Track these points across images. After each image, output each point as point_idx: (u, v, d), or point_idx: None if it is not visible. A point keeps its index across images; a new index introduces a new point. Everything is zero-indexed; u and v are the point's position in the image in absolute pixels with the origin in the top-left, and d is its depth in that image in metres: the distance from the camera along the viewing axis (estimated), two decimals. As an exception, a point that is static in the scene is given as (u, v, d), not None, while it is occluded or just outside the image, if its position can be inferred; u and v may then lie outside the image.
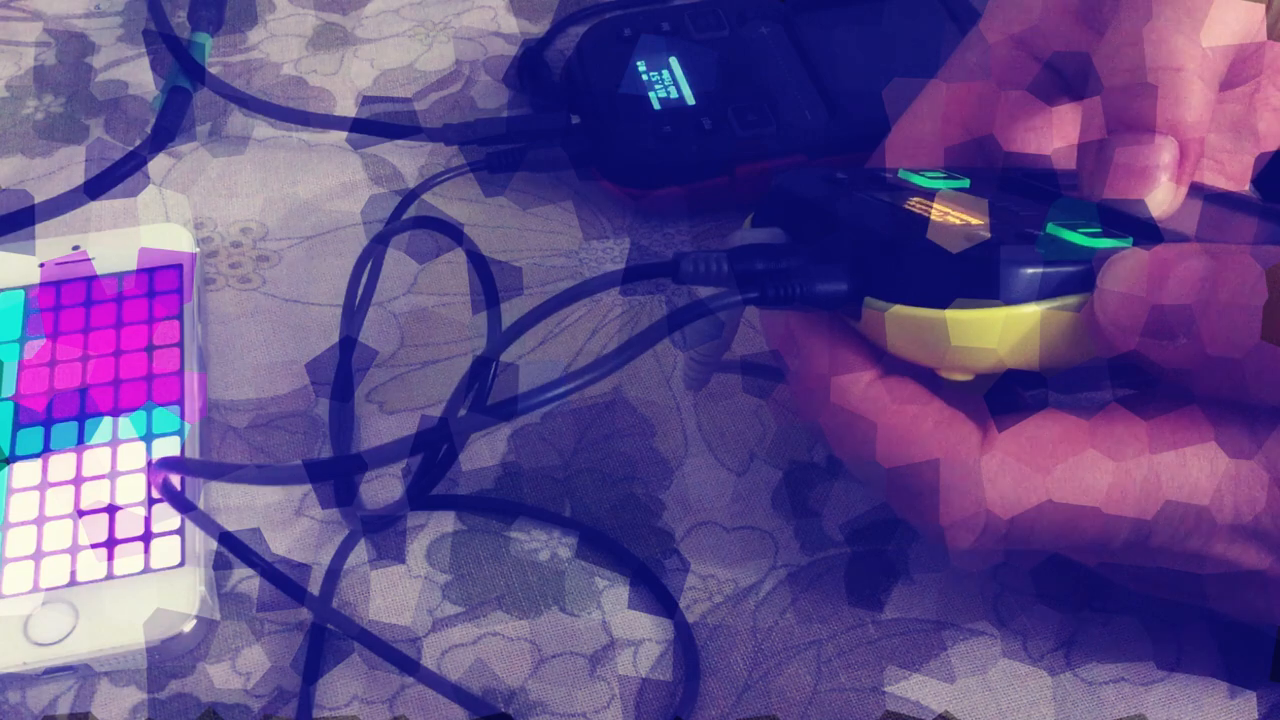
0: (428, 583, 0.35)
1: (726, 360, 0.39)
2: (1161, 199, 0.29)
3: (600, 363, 0.27)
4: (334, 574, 0.35)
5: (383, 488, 0.37)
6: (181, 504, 0.31)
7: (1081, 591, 0.35)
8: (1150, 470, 0.27)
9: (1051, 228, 0.28)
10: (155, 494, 0.35)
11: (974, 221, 0.29)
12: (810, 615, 0.35)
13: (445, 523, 0.37)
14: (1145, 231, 0.29)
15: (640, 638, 0.34)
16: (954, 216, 0.29)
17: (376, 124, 0.46)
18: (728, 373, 0.39)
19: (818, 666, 0.34)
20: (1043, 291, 0.27)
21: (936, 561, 0.36)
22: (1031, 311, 0.27)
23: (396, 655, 0.33)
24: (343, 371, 0.39)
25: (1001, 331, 0.27)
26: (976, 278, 0.26)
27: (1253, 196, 0.35)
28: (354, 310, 0.39)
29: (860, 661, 0.34)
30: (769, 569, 0.36)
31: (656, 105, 0.44)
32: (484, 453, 0.38)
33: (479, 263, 0.37)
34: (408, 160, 0.46)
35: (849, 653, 0.34)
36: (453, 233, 0.37)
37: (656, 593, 0.35)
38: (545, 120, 0.45)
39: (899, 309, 0.27)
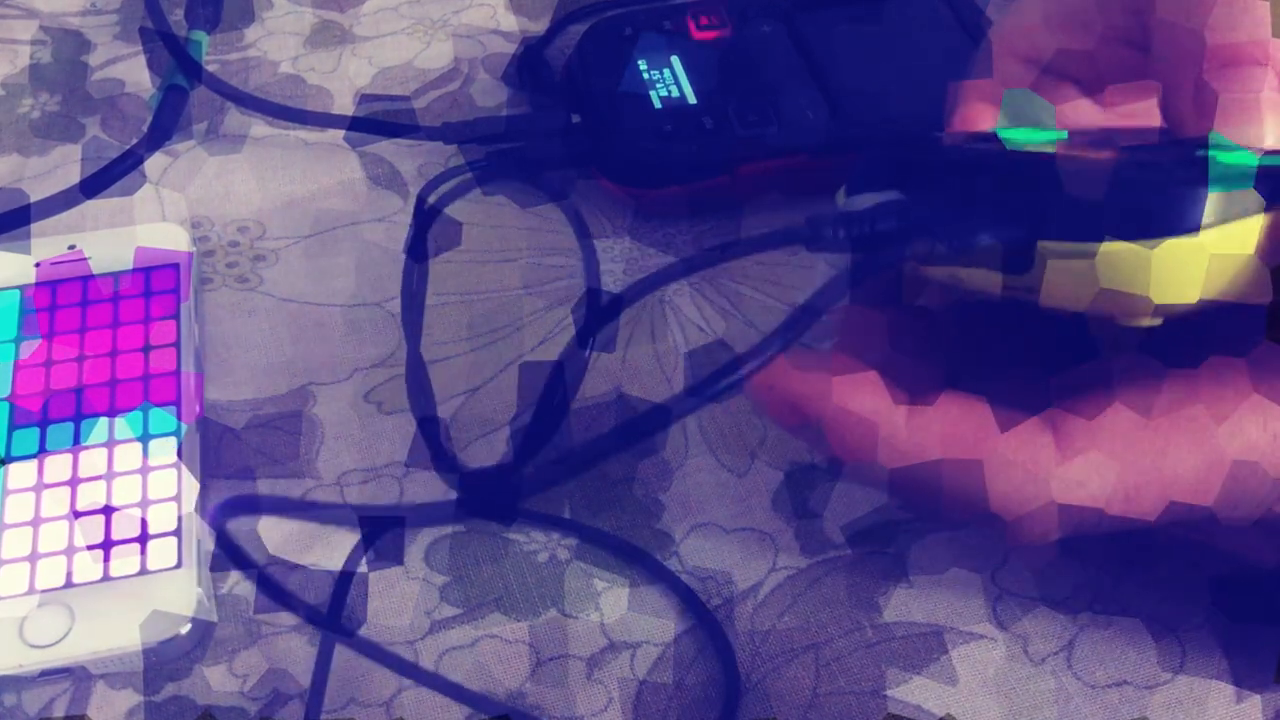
0: (426, 584, 0.35)
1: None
2: (1270, 129, 0.28)
3: (782, 330, 0.26)
4: (346, 577, 0.35)
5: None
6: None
7: (1083, 593, 0.35)
8: (1225, 458, 0.26)
9: (1213, 151, 0.27)
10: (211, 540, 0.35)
11: (1122, 155, 0.27)
12: (810, 618, 0.34)
13: (444, 524, 0.36)
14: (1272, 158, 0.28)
15: (639, 640, 0.34)
16: (1094, 153, 0.27)
17: (375, 122, 0.45)
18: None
19: (817, 669, 0.33)
20: (1239, 209, 0.25)
21: (937, 564, 0.35)
22: (1233, 230, 0.25)
23: (399, 663, 0.33)
24: (416, 372, 0.38)
25: (1206, 258, 0.25)
26: (1168, 204, 0.25)
27: None
28: (415, 328, 0.39)
29: (861, 664, 0.34)
30: (768, 571, 0.35)
31: (657, 104, 0.43)
32: (483, 453, 0.38)
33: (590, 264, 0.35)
34: (406, 159, 0.46)
35: (849, 655, 0.34)
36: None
37: (667, 591, 0.35)
38: (545, 119, 0.44)
39: (1087, 248, 0.25)
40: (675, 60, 0.45)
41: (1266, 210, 0.26)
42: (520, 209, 0.44)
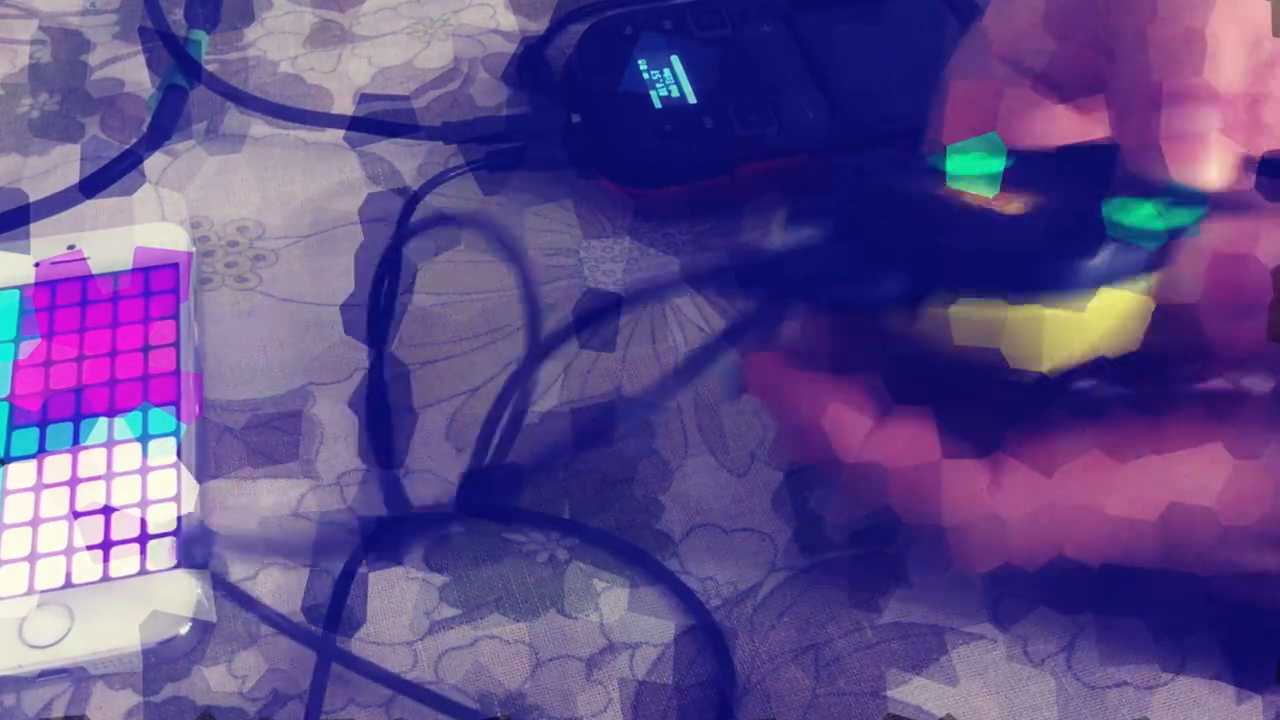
0: (425, 584, 0.35)
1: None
2: (1209, 168, 0.29)
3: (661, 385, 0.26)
4: (346, 578, 0.35)
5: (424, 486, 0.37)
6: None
7: (1083, 594, 0.35)
8: (1165, 492, 0.27)
9: (1106, 208, 0.27)
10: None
11: (1024, 207, 0.28)
12: (810, 618, 0.34)
13: (443, 524, 0.36)
14: (1194, 203, 0.28)
15: (638, 641, 0.34)
16: (1001, 202, 0.28)
17: (374, 122, 0.45)
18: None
19: (817, 670, 0.33)
20: (1111, 277, 0.26)
21: (937, 565, 0.35)
22: (1100, 298, 0.26)
23: (391, 678, 0.33)
24: (376, 384, 0.38)
25: (1070, 323, 0.26)
26: (1044, 269, 0.26)
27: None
28: (380, 315, 0.39)
29: (860, 665, 0.34)
30: (768, 571, 0.35)
31: (657, 104, 0.43)
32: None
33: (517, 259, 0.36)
34: (406, 159, 0.46)
35: (849, 656, 0.34)
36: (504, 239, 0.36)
37: (667, 591, 0.35)
38: (545, 119, 0.44)
39: (963, 308, 0.26)
40: (675, 60, 0.45)
41: (1156, 269, 0.27)
42: (521, 209, 0.44)
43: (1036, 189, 0.29)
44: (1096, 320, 0.26)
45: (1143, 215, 0.27)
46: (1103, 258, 0.26)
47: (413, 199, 0.43)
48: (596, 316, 0.35)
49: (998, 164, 0.31)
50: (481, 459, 0.35)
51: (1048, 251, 0.26)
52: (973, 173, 0.31)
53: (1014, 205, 0.28)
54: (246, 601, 0.33)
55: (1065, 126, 0.34)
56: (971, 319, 0.27)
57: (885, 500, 0.28)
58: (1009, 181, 0.30)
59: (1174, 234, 0.27)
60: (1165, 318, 0.27)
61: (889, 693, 0.33)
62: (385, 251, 0.38)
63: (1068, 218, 0.27)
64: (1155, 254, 0.27)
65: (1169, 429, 0.27)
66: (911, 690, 0.33)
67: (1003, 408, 0.29)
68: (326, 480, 0.37)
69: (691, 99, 0.44)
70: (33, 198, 0.44)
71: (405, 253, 0.42)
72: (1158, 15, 0.29)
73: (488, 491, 0.32)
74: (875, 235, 0.28)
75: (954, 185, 0.29)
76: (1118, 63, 0.30)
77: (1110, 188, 0.29)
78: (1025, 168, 0.31)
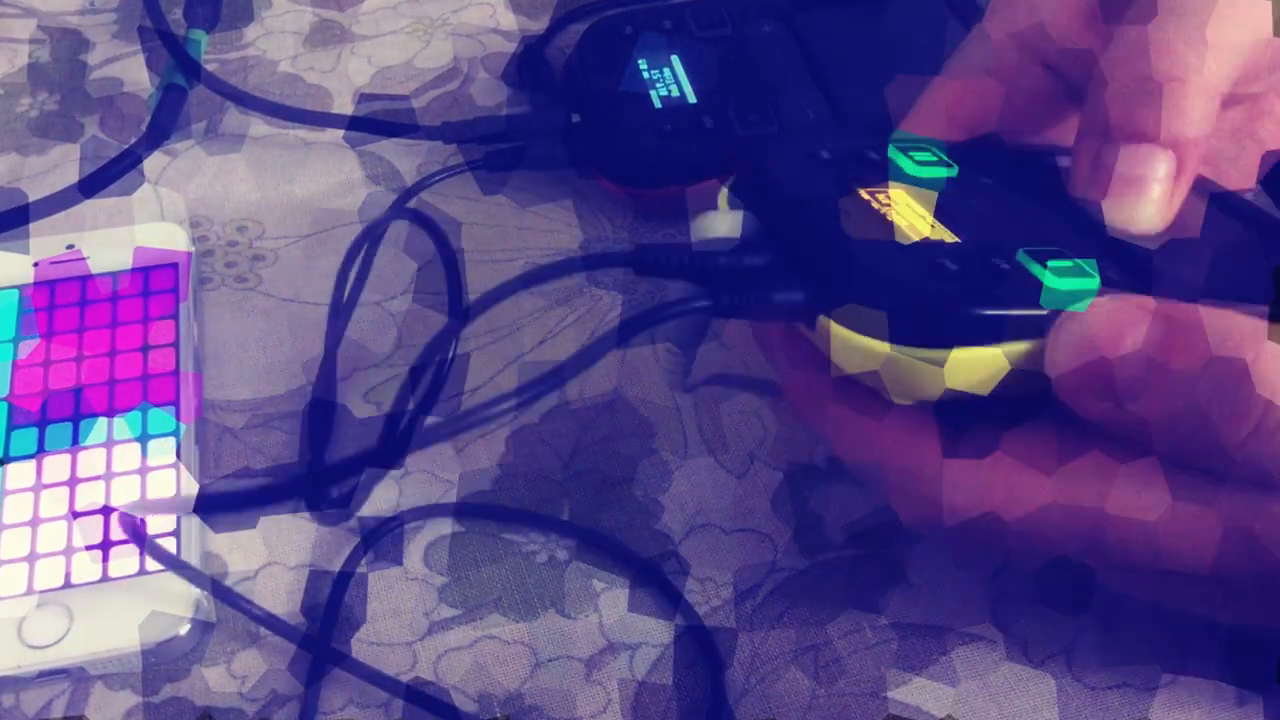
0: (424, 585, 0.35)
1: (729, 375, 0.39)
2: (1152, 212, 0.29)
3: (551, 375, 0.27)
4: (344, 579, 0.35)
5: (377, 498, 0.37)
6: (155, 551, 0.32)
7: (1083, 595, 0.35)
8: (1101, 495, 0.27)
9: (1021, 256, 0.28)
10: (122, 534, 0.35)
11: (946, 239, 0.28)
12: (809, 619, 0.34)
13: (443, 525, 0.36)
14: (1122, 256, 0.28)
15: (637, 641, 0.34)
16: (926, 226, 0.28)
17: (374, 122, 0.45)
18: (727, 386, 0.39)
19: (817, 671, 0.33)
20: (994, 337, 0.26)
21: (937, 565, 0.35)
22: (981, 355, 0.26)
23: (390, 681, 0.33)
24: (326, 372, 0.38)
25: (948, 372, 0.26)
26: (931, 317, 0.26)
27: (1249, 200, 0.34)
28: (342, 307, 0.39)
29: (860, 665, 0.34)
30: (768, 572, 0.35)
31: (657, 104, 0.43)
32: (481, 454, 0.38)
33: (451, 269, 0.36)
34: (405, 158, 0.46)
35: (849, 657, 0.34)
36: (435, 232, 0.36)
37: (667, 593, 0.35)
38: (545, 118, 0.44)
39: (846, 334, 0.27)
40: (675, 59, 0.45)
41: (1034, 339, 0.27)
42: (520, 209, 0.44)
43: (967, 219, 0.29)
44: (955, 374, 0.26)
45: (1046, 274, 0.27)
46: (984, 316, 0.26)
47: (404, 196, 0.43)
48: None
49: (945, 173, 0.31)
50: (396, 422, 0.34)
51: (933, 299, 0.26)
52: (921, 175, 0.31)
53: (938, 233, 0.28)
54: (243, 603, 0.33)
55: (1062, 135, 0.34)
56: (848, 342, 0.27)
57: (843, 452, 0.29)
58: (946, 204, 0.30)
59: (1057, 304, 0.27)
60: (1039, 382, 0.27)
61: (889, 694, 0.33)
62: (351, 245, 0.38)
63: (972, 266, 0.27)
64: (1041, 321, 0.27)
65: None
66: (911, 691, 0.33)
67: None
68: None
69: (691, 99, 0.44)
70: (32, 197, 0.44)
71: (402, 251, 0.42)
72: (1130, 53, 0.29)
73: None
74: (795, 234, 0.28)
75: (897, 191, 0.29)
76: (1089, 90, 0.30)
77: (1054, 226, 0.29)
78: (974, 189, 0.31)
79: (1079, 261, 0.28)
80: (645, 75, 0.44)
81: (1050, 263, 0.27)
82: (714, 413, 0.39)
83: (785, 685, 0.33)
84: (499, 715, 0.33)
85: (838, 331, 0.27)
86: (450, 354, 0.34)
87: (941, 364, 0.26)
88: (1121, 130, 0.29)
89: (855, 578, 0.35)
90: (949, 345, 0.26)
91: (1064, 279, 0.27)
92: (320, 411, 0.38)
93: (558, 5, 0.51)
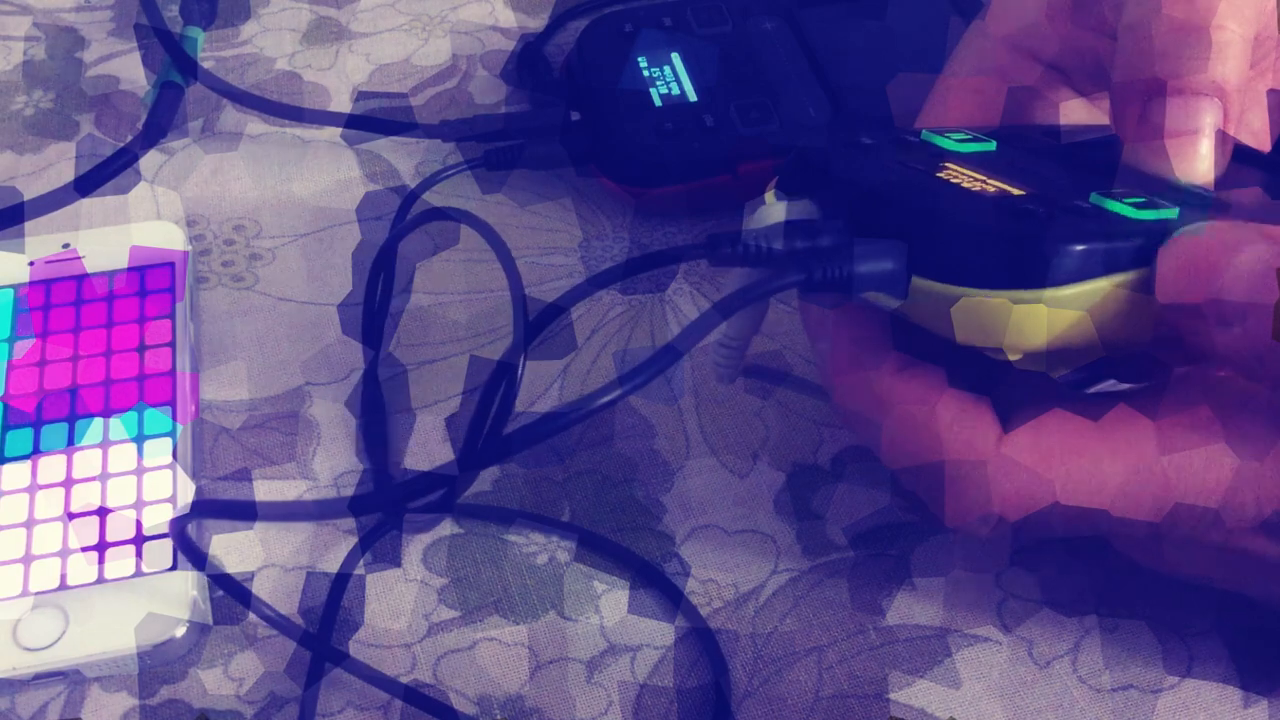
0: (424, 587, 0.35)
1: (771, 369, 0.39)
2: (1205, 163, 0.29)
3: (643, 367, 0.26)
4: (342, 580, 0.34)
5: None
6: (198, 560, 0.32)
7: (1089, 596, 0.34)
8: (1160, 473, 0.27)
9: (1095, 198, 0.28)
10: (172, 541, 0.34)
11: (1014, 191, 0.28)
12: (812, 620, 0.34)
13: (442, 526, 0.36)
14: (1188, 199, 0.28)
15: (638, 643, 0.34)
16: (992, 185, 0.28)
17: (372, 120, 0.45)
18: (770, 382, 0.39)
19: (819, 673, 0.33)
20: (1096, 270, 0.26)
21: (941, 566, 0.35)
22: (1084, 290, 0.26)
23: (390, 683, 0.32)
24: (370, 383, 0.38)
25: (1054, 312, 0.26)
26: (1030, 257, 0.26)
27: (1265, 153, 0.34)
28: (374, 313, 0.39)
29: (863, 667, 0.33)
30: (770, 573, 0.35)
31: (658, 102, 0.43)
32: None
33: (504, 254, 0.35)
34: (404, 157, 0.45)
35: (852, 659, 0.33)
36: (481, 226, 0.36)
37: (668, 593, 0.34)
38: (544, 116, 0.44)
39: (947, 289, 0.26)
40: (676, 57, 0.45)
41: (1136, 268, 0.26)
42: (519, 208, 0.44)
43: (1028, 177, 0.29)
44: (1062, 314, 0.26)
45: (1125, 207, 0.27)
46: (1090, 248, 0.26)
47: (410, 197, 0.43)
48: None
49: (986, 146, 0.31)
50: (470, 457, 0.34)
51: (1036, 240, 0.26)
52: (964, 150, 0.30)
53: (1006, 189, 0.28)
54: (243, 598, 0.33)
55: (1072, 118, 0.34)
56: (940, 302, 0.27)
57: (882, 442, 0.28)
58: (1001, 168, 0.30)
59: (1160, 230, 0.27)
60: (1146, 316, 0.27)
61: (892, 696, 0.33)
62: (380, 249, 0.38)
63: (1056, 205, 0.27)
64: (1137, 250, 0.26)
65: (1173, 429, 0.27)
66: (915, 693, 0.33)
67: (1008, 393, 0.29)
68: (323, 481, 0.37)
69: (692, 96, 0.43)
70: (27, 196, 0.44)
71: (402, 251, 0.42)
72: (1161, 7, 0.29)
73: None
74: (865, 211, 0.28)
75: (950, 164, 0.29)
76: (1118, 52, 0.30)
77: (1109, 180, 0.29)
78: (1020, 156, 0.31)
79: (1152, 196, 0.28)
80: (645, 73, 0.44)
81: (1126, 199, 0.27)
82: (716, 412, 0.38)
83: (788, 687, 0.33)
84: (499, 718, 0.32)
85: (941, 293, 0.27)
86: (522, 357, 0.33)
87: (1054, 303, 0.26)
88: (1161, 84, 0.29)
89: (858, 579, 0.35)
90: (1060, 283, 0.26)
91: (1144, 212, 0.27)
92: (375, 417, 0.37)
93: (557, 2, 0.51)
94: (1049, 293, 0.26)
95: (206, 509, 0.31)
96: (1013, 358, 0.27)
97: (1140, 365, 0.29)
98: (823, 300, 0.30)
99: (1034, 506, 0.27)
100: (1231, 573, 0.29)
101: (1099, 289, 0.26)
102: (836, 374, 0.30)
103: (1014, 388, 0.29)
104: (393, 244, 0.38)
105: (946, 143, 0.31)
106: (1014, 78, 0.33)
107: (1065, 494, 0.27)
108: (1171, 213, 0.27)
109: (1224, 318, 0.26)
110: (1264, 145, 0.34)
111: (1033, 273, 0.26)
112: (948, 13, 0.46)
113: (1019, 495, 0.27)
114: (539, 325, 0.33)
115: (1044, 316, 0.26)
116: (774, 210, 0.29)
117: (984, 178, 0.28)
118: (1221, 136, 0.29)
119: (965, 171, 0.29)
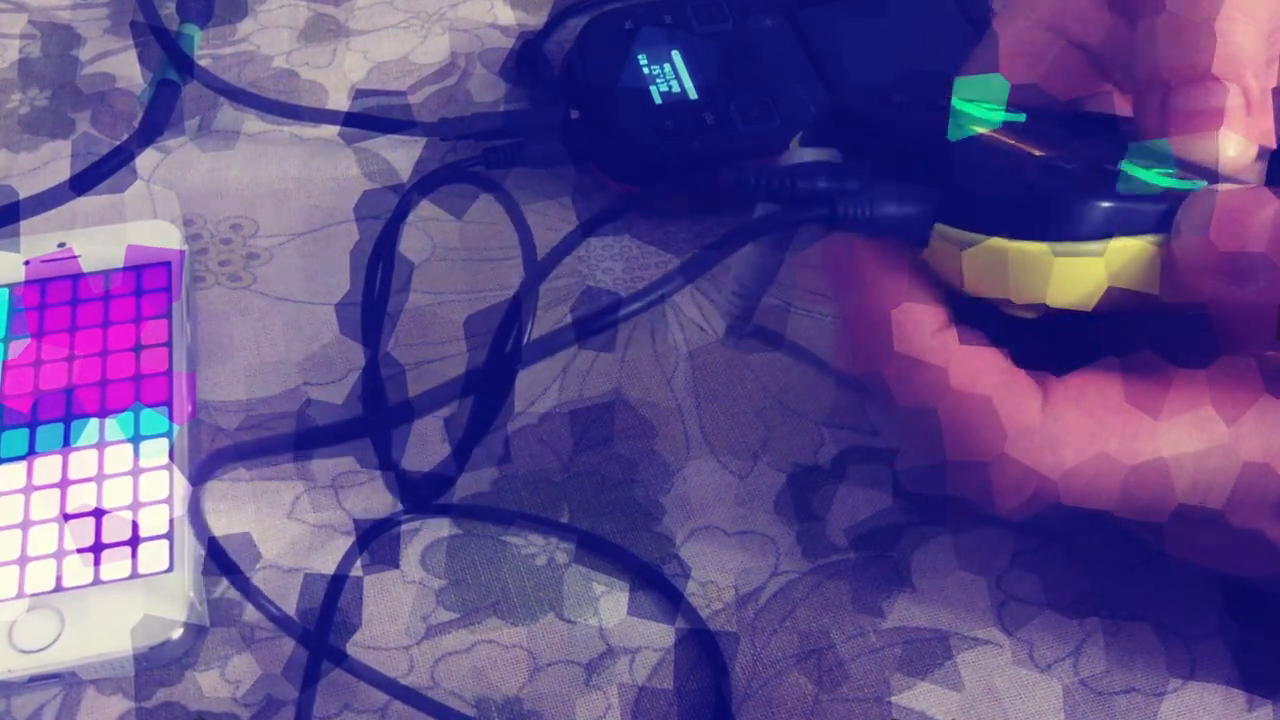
0: (422, 588, 0.35)
1: (778, 335, 0.39)
2: (1232, 146, 0.28)
3: (673, 275, 0.26)
4: (339, 581, 0.34)
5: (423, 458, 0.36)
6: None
7: (1090, 598, 0.34)
8: (1215, 438, 0.27)
9: (1127, 165, 0.28)
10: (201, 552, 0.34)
11: (1044, 153, 0.28)
12: (812, 623, 0.34)
13: (441, 527, 0.36)
14: (1212, 179, 0.28)
15: (638, 645, 0.34)
16: (1025, 146, 0.28)
17: (370, 118, 0.45)
18: (776, 347, 0.39)
19: (819, 675, 0.33)
20: (1122, 228, 0.26)
21: (942, 568, 0.35)
22: (1110, 247, 0.26)
23: (387, 685, 0.32)
24: (371, 375, 0.38)
25: (1077, 266, 0.26)
26: (1057, 210, 0.26)
27: None
28: (374, 304, 0.38)
29: (864, 670, 0.33)
30: (770, 574, 0.35)
31: (657, 100, 0.43)
32: (480, 456, 0.37)
33: (515, 211, 0.35)
34: (402, 155, 0.45)
35: (852, 661, 0.33)
36: (488, 185, 0.36)
37: (667, 595, 0.34)
38: (543, 114, 0.44)
39: (971, 237, 0.26)
40: (676, 55, 0.44)
41: (1159, 232, 0.27)
42: (518, 206, 0.44)
43: (1059, 145, 0.29)
44: (1102, 265, 0.26)
45: (1154, 175, 0.27)
46: (1116, 205, 0.26)
47: (406, 195, 0.43)
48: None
49: (1015, 117, 0.31)
50: (463, 460, 0.34)
51: (1063, 193, 0.26)
52: (995, 118, 0.30)
53: (1037, 150, 0.28)
54: (242, 587, 0.33)
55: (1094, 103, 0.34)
56: (978, 251, 0.27)
57: (932, 399, 0.27)
58: (1033, 135, 0.30)
59: (1179, 195, 0.27)
60: (1177, 277, 0.27)
61: (893, 698, 0.33)
62: (383, 229, 0.38)
63: (1086, 166, 0.27)
64: (1164, 215, 0.27)
65: (1223, 392, 0.27)
66: (916, 696, 0.33)
67: (1050, 345, 0.28)
68: (321, 482, 0.37)
69: (692, 95, 0.43)
70: (22, 195, 0.44)
71: (402, 251, 0.42)
72: (1165, 4, 0.29)
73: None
74: (891, 158, 0.28)
75: (979, 128, 0.29)
76: (1137, 44, 0.30)
77: (1129, 149, 0.29)
78: (1051, 128, 0.31)
79: (1183, 173, 0.28)
80: (645, 71, 0.44)
81: (1156, 169, 0.28)
82: (716, 412, 0.38)
83: (788, 690, 0.33)
84: (497, 721, 0.32)
85: (965, 240, 0.26)
86: (526, 336, 0.33)
87: (1075, 254, 0.26)
88: (1180, 73, 0.29)
89: (859, 581, 0.35)
90: (1085, 237, 0.26)
91: (1170, 180, 0.27)
92: (380, 409, 0.37)
93: (556, 0, 0.51)
94: (1074, 246, 0.26)
95: (228, 455, 0.31)
96: (1024, 314, 0.27)
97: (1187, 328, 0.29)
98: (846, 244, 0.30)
99: (1084, 474, 0.27)
100: (1245, 559, 0.29)
101: (1124, 247, 0.26)
102: (877, 322, 0.28)
103: (1027, 351, 0.28)
104: (401, 213, 0.37)
105: (978, 109, 0.31)
106: (1045, 57, 0.33)
107: (1120, 457, 0.27)
108: (1198, 184, 0.27)
109: (1242, 273, 0.26)
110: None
111: (1061, 224, 0.26)
112: (949, 9, 0.46)
113: (1069, 459, 0.27)
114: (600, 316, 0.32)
115: (1068, 266, 0.26)
116: (800, 155, 0.29)
117: (1014, 140, 0.29)
118: (1245, 118, 0.29)
119: (995, 134, 0.29)
